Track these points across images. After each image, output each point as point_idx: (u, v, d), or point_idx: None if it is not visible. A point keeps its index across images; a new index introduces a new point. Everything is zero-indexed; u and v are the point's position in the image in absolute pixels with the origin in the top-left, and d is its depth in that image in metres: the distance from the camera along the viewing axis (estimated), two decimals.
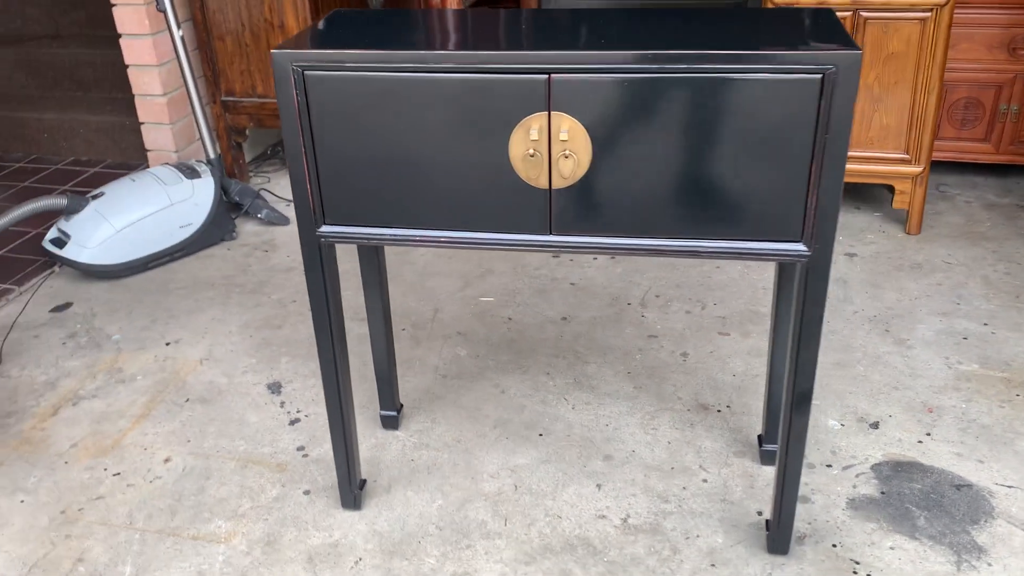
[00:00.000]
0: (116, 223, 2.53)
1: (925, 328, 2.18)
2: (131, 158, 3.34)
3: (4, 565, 1.61)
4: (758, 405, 1.94)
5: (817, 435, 1.85)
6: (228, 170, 3.06)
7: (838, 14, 2.41)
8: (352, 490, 1.67)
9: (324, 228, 1.40)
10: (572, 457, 1.81)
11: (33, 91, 3.66)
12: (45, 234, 2.63)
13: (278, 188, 3.13)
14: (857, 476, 1.74)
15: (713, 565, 1.55)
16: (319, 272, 1.45)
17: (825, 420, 1.89)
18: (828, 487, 1.71)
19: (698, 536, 1.61)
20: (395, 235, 1.39)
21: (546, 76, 1.23)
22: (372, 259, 1.70)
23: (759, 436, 1.81)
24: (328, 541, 1.63)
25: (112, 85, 3.50)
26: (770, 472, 1.76)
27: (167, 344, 2.26)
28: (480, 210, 1.34)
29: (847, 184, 2.78)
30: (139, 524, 1.69)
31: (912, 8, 2.36)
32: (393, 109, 1.29)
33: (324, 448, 1.86)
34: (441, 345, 2.20)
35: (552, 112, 1.25)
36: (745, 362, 2.09)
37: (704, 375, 2.05)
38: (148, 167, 3.09)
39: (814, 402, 1.94)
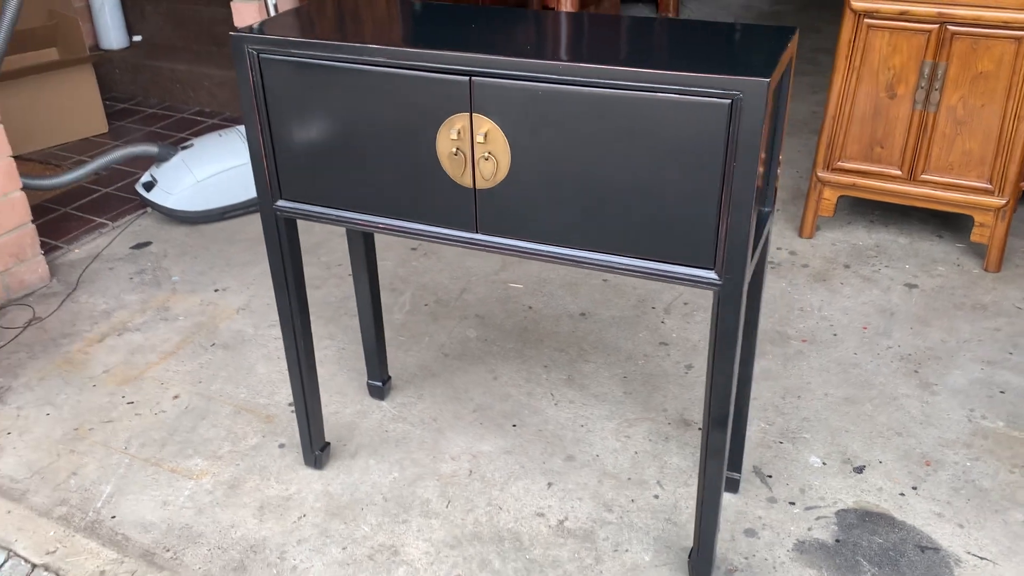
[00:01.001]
0: (198, 174, 2.75)
1: (960, 375, 2.01)
2: None
3: (14, 466, 1.83)
4: (746, 431, 1.87)
5: (792, 470, 1.77)
6: None
7: (922, 26, 2.23)
8: (313, 451, 1.77)
9: (280, 203, 1.49)
10: (535, 452, 1.83)
11: (176, 43, 3.99)
12: (140, 178, 2.90)
13: None
14: (817, 519, 1.65)
15: None
16: (276, 244, 1.54)
17: (807, 456, 1.80)
18: (781, 525, 1.64)
19: (627, 551, 1.60)
20: (340, 216, 1.46)
21: (467, 78, 1.24)
22: (357, 236, 1.77)
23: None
24: (283, 494, 1.74)
25: None
26: (725, 499, 1.70)
27: (215, 291, 2.45)
28: (414, 202, 1.38)
29: (929, 211, 2.58)
30: (132, 450, 1.87)
31: (1006, 25, 2.15)
32: (336, 97, 1.35)
33: None
34: (455, 325, 2.26)
35: (473, 114, 1.26)
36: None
37: (701, 390, 2.00)
38: None
39: (802, 436, 1.85)
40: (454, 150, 1.30)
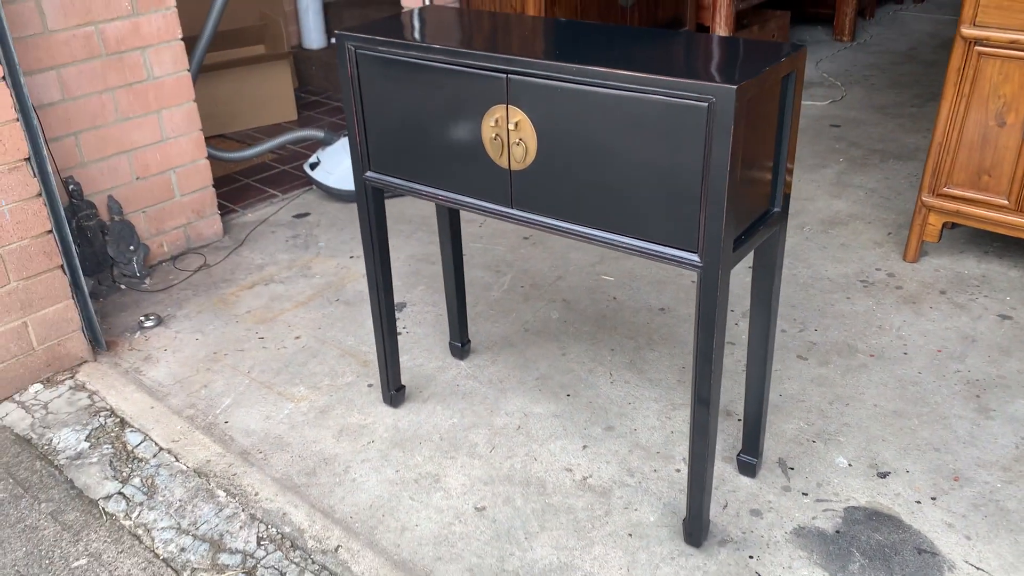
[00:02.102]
0: None
1: (1023, 406, 2.00)
2: None
3: (164, 375, 2.27)
4: (783, 428, 1.98)
5: (816, 466, 1.86)
6: None
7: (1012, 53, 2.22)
8: (389, 391, 2.08)
9: (369, 174, 1.80)
10: (580, 419, 2.03)
11: None
12: (309, 159, 3.35)
13: None
14: (824, 511, 1.75)
15: (630, 535, 1.71)
16: (365, 208, 1.85)
17: (835, 456, 1.88)
18: (787, 510, 1.75)
19: (636, 510, 1.77)
20: (410, 187, 1.74)
21: (504, 76, 1.49)
22: (444, 211, 2.06)
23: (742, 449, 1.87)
24: (360, 423, 2.06)
25: None
26: (741, 481, 1.83)
27: (350, 257, 2.83)
28: (464, 178, 1.64)
29: None
30: (252, 374, 2.25)
31: None
32: (408, 87, 1.63)
33: (402, 359, 2.28)
34: (543, 306, 2.49)
35: (509, 105, 1.51)
36: (802, 387, 2.11)
37: None
38: None
39: (837, 438, 1.94)
40: (494, 136, 1.55)
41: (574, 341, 2.33)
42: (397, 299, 2.57)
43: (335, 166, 3.19)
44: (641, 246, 1.46)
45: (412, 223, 3.04)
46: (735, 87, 1.26)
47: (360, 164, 1.80)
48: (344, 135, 3.26)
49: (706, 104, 1.29)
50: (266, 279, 2.72)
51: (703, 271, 1.41)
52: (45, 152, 2.15)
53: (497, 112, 1.52)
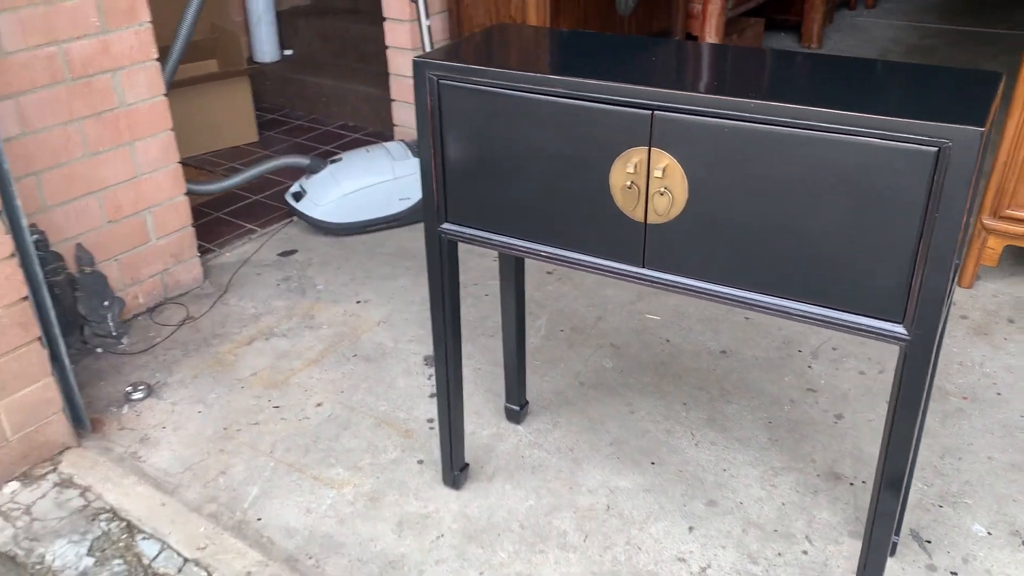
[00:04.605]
0: (345, 187, 2.83)
1: None
2: (387, 128, 3.67)
3: (169, 460, 1.91)
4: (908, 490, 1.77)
5: (953, 536, 1.66)
6: None
7: None
8: (453, 471, 1.78)
9: (445, 225, 1.50)
10: (675, 493, 1.78)
11: (323, 58, 4.14)
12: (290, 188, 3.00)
13: None
14: None
15: None
16: (438, 265, 1.55)
17: (969, 523, 1.69)
18: None
19: None
20: (504, 242, 1.46)
21: (649, 112, 1.22)
22: (509, 260, 1.78)
23: None
24: (421, 511, 1.75)
25: (383, 60, 3.85)
26: None
27: (357, 302, 2.50)
28: (579, 231, 1.37)
29: None
30: (277, 454, 1.92)
31: None
32: (510, 125, 1.35)
33: None
34: (591, 352, 2.24)
35: (652, 148, 1.24)
36: None
37: (852, 443, 1.90)
38: (394, 139, 3.39)
39: (963, 500, 1.74)
40: (628, 183, 1.28)
41: (639, 395, 2.08)
42: (424, 351, 2.27)
43: (322, 197, 2.85)
44: (824, 315, 1.22)
45: (418, 259, 2.73)
46: (980, 129, 1.03)
47: (434, 214, 1.50)
48: (331, 162, 2.93)
49: (935, 149, 1.06)
50: (265, 332, 2.37)
51: (910, 344, 1.18)
52: (17, 202, 1.77)
53: (635, 156, 1.26)
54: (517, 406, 1.97)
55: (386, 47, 3.19)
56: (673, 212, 1.27)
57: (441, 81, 1.38)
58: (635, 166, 1.26)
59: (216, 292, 2.57)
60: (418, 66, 1.39)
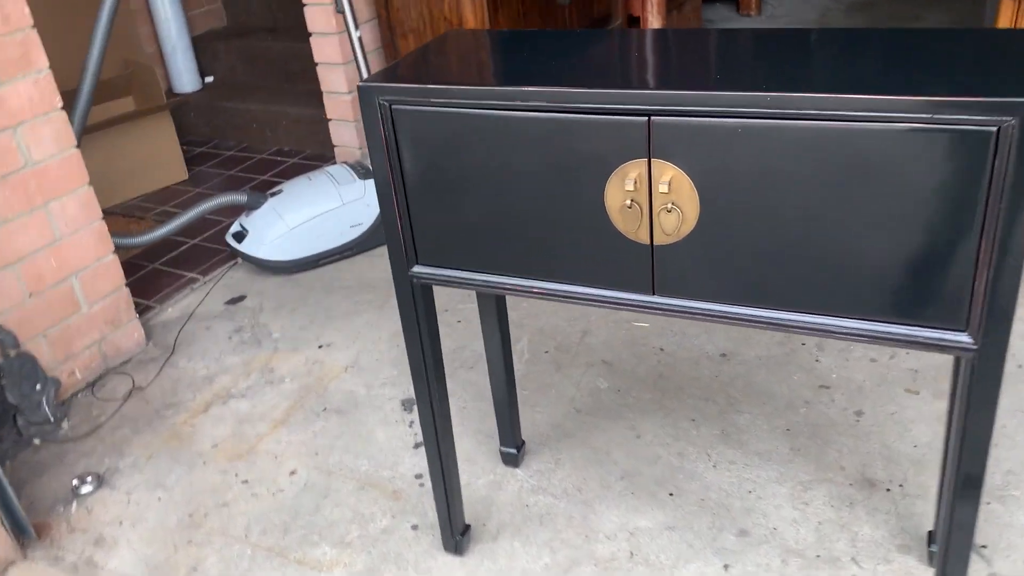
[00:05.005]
0: (290, 221, 2.61)
1: None
2: (326, 150, 3.45)
3: (131, 562, 1.69)
4: (930, 486, 1.62)
5: (1010, 537, 1.52)
6: None
7: None
8: (454, 535, 1.59)
9: (417, 268, 1.31)
10: (702, 527, 1.61)
11: (249, 81, 3.89)
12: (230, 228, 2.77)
13: None
14: None
15: None
16: (413, 313, 1.35)
17: (1022, 518, 1.55)
18: None
19: None
20: (487, 281, 1.27)
21: (645, 119, 1.04)
22: (489, 295, 1.59)
23: (929, 532, 1.51)
24: None
25: (313, 77, 3.62)
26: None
27: (319, 347, 2.29)
28: (575, 262, 1.19)
29: None
30: (253, 538, 1.71)
31: None
32: (483, 147, 1.16)
33: None
34: (582, 373, 2.06)
35: (652, 159, 1.06)
36: (932, 430, 1.77)
37: (878, 442, 1.76)
38: (335, 162, 3.17)
39: (1010, 493, 1.60)
40: (627, 202, 1.10)
41: (641, 416, 1.90)
42: (400, 395, 2.07)
43: (266, 234, 2.62)
44: (872, 330, 1.05)
45: (379, 289, 2.52)
46: None
47: (402, 258, 1.30)
48: (271, 195, 2.70)
49: (994, 129, 0.89)
50: (222, 395, 2.15)
51: (979, 355, 1.01)
52: None
53: (633, 170, 1.08)
54: (514, 448, 1.78)
55: (316, 64, 2.97)
56: (684, 230, 1.09)
57: (395, 107, 1.18)
58: (634, 182, 1.08)
59: (162, 355, 2.33)
60: (365, 92, 1.18)
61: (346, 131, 3.03)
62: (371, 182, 2.70)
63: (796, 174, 1.00)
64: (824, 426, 1.81)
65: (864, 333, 1.06)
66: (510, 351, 1.67)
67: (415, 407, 2.02)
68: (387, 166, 1.23)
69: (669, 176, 1.06)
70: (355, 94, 2.96)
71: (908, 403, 1.85)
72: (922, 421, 1.79)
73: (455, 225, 1.24)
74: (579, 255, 1.18)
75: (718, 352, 2.08)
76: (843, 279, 1.04)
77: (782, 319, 1.10)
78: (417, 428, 1.95)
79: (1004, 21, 2.06)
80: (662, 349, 2.11)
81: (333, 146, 3.13)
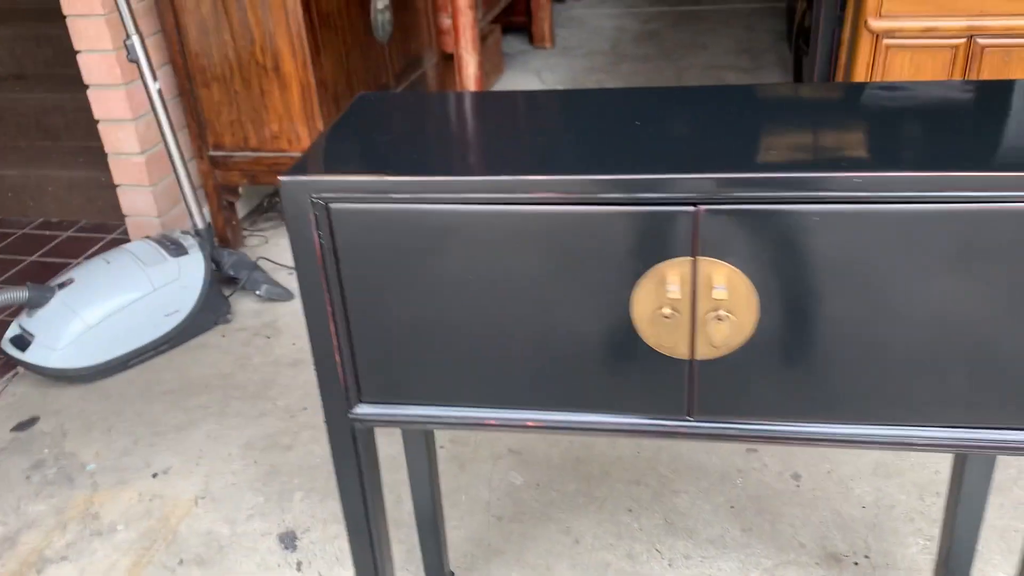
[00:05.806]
0: (89, 318, 2.12)
1: None
2: (109, 218, 2.91)
3: None
4: (902, 554, 1.53)
5: None
6: (220, 235, 2.64)
7: (948, 42, 2.00)
8: None
9: (360, 409, 0.99)
10: None
11: None
12: (4, 331, 2.21)
13: (276, 252, 2.70)
14: None
15: None
16: (353, 463, 1.03)
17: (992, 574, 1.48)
18: None
19: None
20: (464, 417, 0.98)
21: (692, 208, 0.82)
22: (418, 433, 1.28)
23: None
24: None
25: (85, 133, 3.06)
26: None
27: (153, 476, 1.84)
28: (583, 386, 0.93)
29: None
30: None
31: None
32: (458, 251, 0.88)
33: None
34: (491, 469, 1.79)
35: (699, 257, 0.84)
36: (873, 486, 1.68)
37: (826, 508, 1.64)
38: (126, 229, 2.68)
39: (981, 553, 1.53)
40: (665, 311, 0.86)
41: (572, 514, 1.67)
42: (275, 528, 1.69)
43: (58, 337, 2.11)
44: (973, 439, 0.89)
45: (213, 390, 2.10)
46: None
47: (340, 397, 0.98)
48: (59, 287, 2.18)
49: None
50: (33, 561, 1.65)
51: None
52: None
53: (672, 272, 0.84)
54: None
55: (96, 121, 2.47)
56: (736, 341, 0.87)
57: (334, 206, 0.87)
58: (679, 286, 0.84)
59: None
60: (291, 189, 0.86)
61: (141, 199, 2.55)
62: (186, 259, 2.27)
63: (884, 265, 0.82)
64: (767, 497, 1.67)
65: (976, 443, 0.89)
66: (437, 475, 1.38)
67: (298, 541, 1.65)
68: (323, 283, 0.91)
69: (724, 278, 0.84)
70: (150, 153, 2.51)
71: (839, 457, 1.76)
72: (860, 477, 1.70)
73: (418, 350, 0.94)
74: (592, 378, 0.92)
75: None
76: (949, 380, 0.87)
77: (863, 435, 0.90)
78: (308, 570, 1.59)
79: (860, 64, 2.06)
80: None
81: (123, 216, 2.63)
